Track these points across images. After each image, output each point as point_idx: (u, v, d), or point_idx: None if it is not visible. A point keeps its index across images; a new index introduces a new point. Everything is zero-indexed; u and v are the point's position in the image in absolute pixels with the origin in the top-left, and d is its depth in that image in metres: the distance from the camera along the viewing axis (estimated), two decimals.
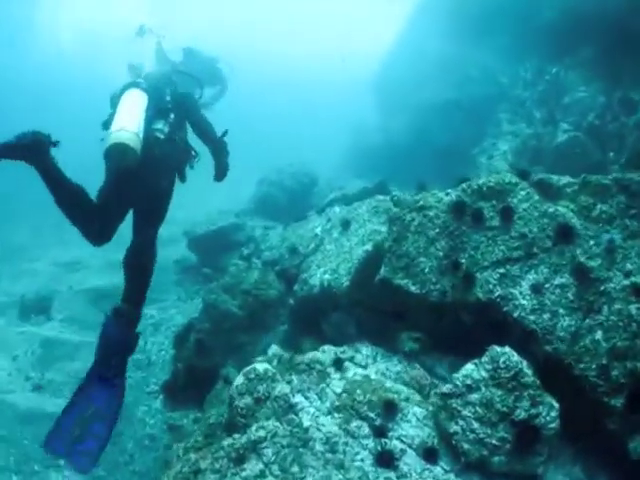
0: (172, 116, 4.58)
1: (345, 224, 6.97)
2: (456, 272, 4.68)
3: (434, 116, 14.29)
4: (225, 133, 4.95)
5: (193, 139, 5.04)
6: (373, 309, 5.78)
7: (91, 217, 4.12)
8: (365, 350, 5.06)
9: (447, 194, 5.03)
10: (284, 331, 7.10)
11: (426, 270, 4.81)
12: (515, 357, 4.03)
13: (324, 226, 7.54)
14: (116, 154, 4.05)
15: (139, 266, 4.15)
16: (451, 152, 12.99)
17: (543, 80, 9.09)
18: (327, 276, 6.34)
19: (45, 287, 10.82)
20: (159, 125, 4.43)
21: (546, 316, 4.33)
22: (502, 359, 4.01)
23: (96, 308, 9.37)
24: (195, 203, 15.91)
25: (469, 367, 3.99)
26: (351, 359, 4.83)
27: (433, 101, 14.76)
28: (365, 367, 4.76)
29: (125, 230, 4.33)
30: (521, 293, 4.46)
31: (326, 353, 4.81)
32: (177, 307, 9.47)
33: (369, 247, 6.21)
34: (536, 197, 4.76)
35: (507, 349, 4.08)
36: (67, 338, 8.61)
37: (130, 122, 4.11)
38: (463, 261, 4.69)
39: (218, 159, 4.99)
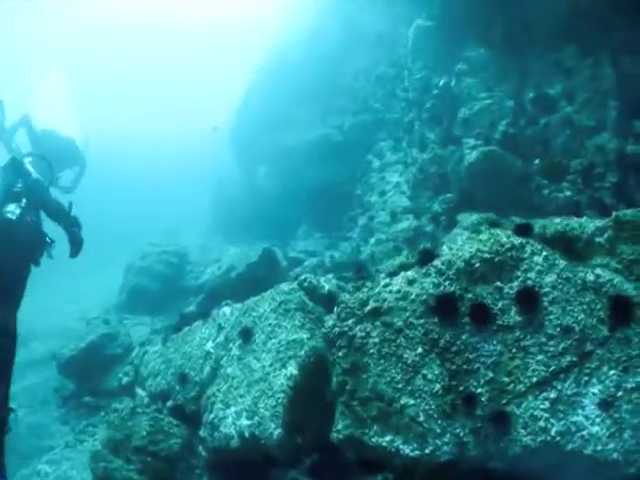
0: (24, 200, 4.71)
1: (245, 334, 4.88)
2: (472, 411, 2.75)
3: (301, 158, 12.73)
4: (70, 206, 4.99)
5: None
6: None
7: None
8: None
9: (411, 282, 3.08)
10: None
11: (420, 417, 2.82)
12: None
13: (215, 338, 5.36)
14: None
15: None
16: (332, 196, 11.49)
17: (430, 95, 7.70)
18: (245, 421, 4.24)
19: None
20: (10, 207, 4.59)
21: (627, 435, 2.81)
22: None
23: None
24: (61, 306, 13.57)
25: None
26: None
27: (296, 142, 13.23)
28: None
29: None
30: (588, 417, 2.81)
31: None
32: (69, 458, 7.26)
33: (293, 370, 4.14)
34: (561, 262, 3.03)
35: None
36: None
37: None
38: (479, 391, 2.78)
39: (71, 233, 4.98)
